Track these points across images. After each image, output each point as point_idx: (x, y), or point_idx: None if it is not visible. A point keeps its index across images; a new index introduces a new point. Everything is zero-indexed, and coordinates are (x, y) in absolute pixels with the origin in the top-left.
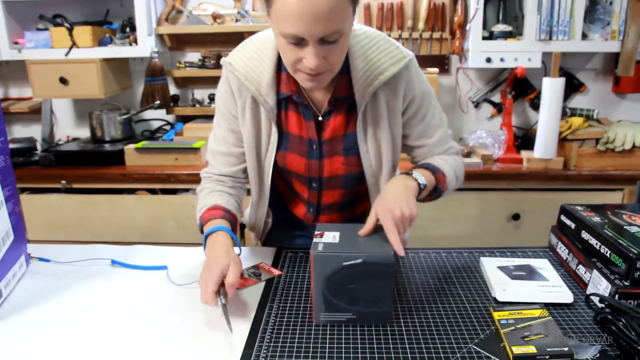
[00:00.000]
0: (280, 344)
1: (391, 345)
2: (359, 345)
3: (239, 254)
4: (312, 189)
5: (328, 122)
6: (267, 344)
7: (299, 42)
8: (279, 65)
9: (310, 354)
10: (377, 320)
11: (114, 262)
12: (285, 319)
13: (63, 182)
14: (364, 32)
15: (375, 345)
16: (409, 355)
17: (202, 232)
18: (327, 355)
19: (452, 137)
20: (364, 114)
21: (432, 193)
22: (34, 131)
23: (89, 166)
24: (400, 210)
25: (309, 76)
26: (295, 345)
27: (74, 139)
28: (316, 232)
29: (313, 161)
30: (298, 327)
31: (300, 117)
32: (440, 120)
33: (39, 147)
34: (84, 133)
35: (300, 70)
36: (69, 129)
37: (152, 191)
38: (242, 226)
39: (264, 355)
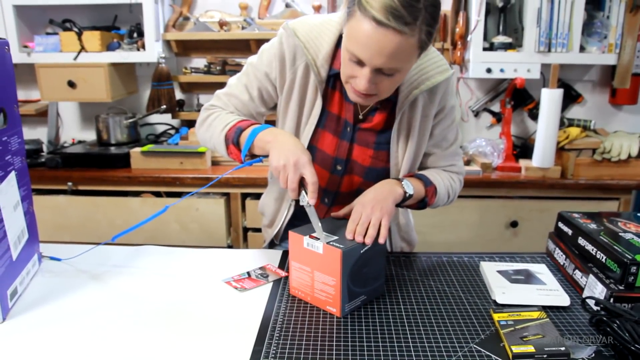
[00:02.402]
0: (289, 341)
1: (395, 344)
2: (365, 343)
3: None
4: (334, 173)
5: (372, 117)
6: (276, 341)
7: (359, 62)
8: (338, 42)
9: (319, 350)
10: (378, 294)
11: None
12: (293, 317)
13: (69, 184)
14: None
15: (380, 343)
16: (413, 353)
17: (235, 142)
18: (334, 351)
19: (461, 156)
20: (402, 116)
21: (417, 203)
22: (40, 133)
23: (94, 168)
24: (371, 209)
25: (357, 92)
26: (304, 342)
27: (80, 142)
28: (310, 236)
29: (344, 142)
30: (306, 324)
31: (342, 98)
32: (455, 137)
33: (44, 149)
34: (89, 136)
35: (351, 84)
36: (75, 132)
37: (157, 194)
38: (246, 230)
39: (274, 351)
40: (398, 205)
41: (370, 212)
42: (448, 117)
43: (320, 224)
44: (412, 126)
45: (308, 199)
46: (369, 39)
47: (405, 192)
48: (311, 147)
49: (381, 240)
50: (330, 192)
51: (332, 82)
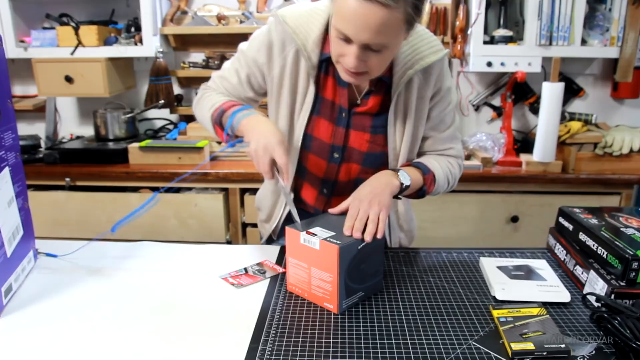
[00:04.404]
0: (286, 338)
1: (393, 341)
2: (362, 340)
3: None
4: (332, 161)
5: (367, 101)
6: (272, 338)
7: (346, 39)
8: (328, 26)
9: (315, 347)
10: (376, 290)
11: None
12: (290, 314)
13: (67, 179)
14: None
15: (377, 340)
16: (411, 351)
17: (219, 123)
18: (330, 348)
19: (459, 140)
20: (398, 98)
21: (417, 192)
22: (37, 129)
23: (92, 164)
24: (368, 203)
25: (347, 71)
26: (300, 339)
27: (78, 137)
28: (307, 232)
29: (340, 128)
30: (303, 321)
31: (335, 83)
32: (453, 120)
33: (42, 144)
34: (87, 131)
35: (341, 63)
36: (73, 127)
37: (156, 189)
38: (244, 225)
39: (270, 348)
40: (396, 196)
41: (368, 207)
42: (445, 99)
43: (295, 209)
44: (408, 108)
45: (280, 180)
46: (354, 14)
47: (401, 184)
48: (307, 136)
49: (379, 235)
50: (329, 182)
51: (325, 68)
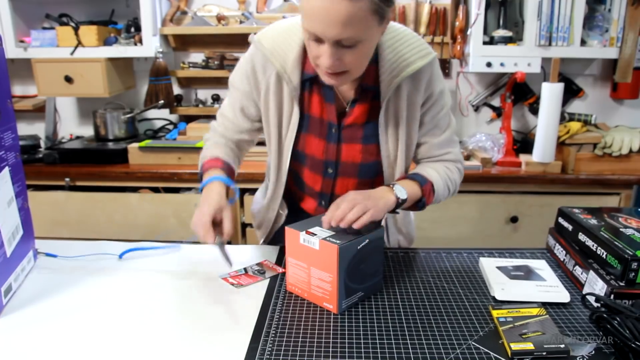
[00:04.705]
0: (285, 337)
1: (393, 341)
2: (362, 340)
3: (235, 199)
4: (327, 176)
5: (352, 110)
6: (272, 338)
7: (317, 39)
8: None
9: (315, 347)
10: (375, 290)
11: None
12: (290, 314)
13: (67, 179)
14: (393, 26)
15: (377, 340)
16: (411, 351)
17: (201, 180)
18: (330, 348)
19: (457, 143)
20: (387, 105)
21: (416, 204)
22: (37, 129)
23: (92, 164)
24: (353, 202)
25: (327, 73)
26: (300, 338)
27: (77, 137)
28: (306, 232)
29: (331, 144)
30: (303, 321)
31: (321, 100)
32: (448, 124)
33: (42, 144)
34: (87, 131)
35: (319, 65)
36: (72, 127)
37: (155, 189)
38: (244, 225)
39: (270, 348)
40: (393, 211)
41: (352, 205)
42: (437, 103)
43: (226, 255)
44: (399, 115)
45: (219, 239)
46: (318, 11)
47: (398, 198)
48: (299, 153)
49: (355, 225)
50: (326, 195)
51: (309, 86)
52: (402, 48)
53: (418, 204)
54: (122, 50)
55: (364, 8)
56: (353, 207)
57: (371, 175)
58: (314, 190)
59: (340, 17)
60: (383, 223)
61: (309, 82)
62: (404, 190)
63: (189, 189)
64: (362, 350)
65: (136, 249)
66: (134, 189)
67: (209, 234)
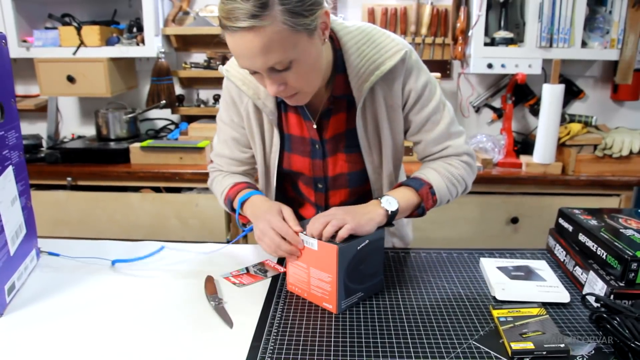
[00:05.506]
0: (287, 337)
1: (394, 340)
2: (362, 339)
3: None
4: (318, 190)
5: (329, 121)
6: (274, 337)
7: (254, 72)
8: None
9: (317, 346)
10: (376, 290)
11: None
12: (291, 313)
13: (69, 179)
14: (358, 28)
15: (379, 340)
16: (411, 350)
17: (232, 209)
18: (332, 348)
19: (458, 134)
20: (363, 110)
21: (415, 210)
22: (39, 128)
23: (94, 164)
24: (334, 214)
25: (285, 97)
26: (302, 338)
27: (79, 137)
28: (305, 232)
29: (317, 161)
30: (304, 321)
31: (300, 118)
32: (442, 116)
33: (44, 144)
34: (88, 131)
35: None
36: (74, 127)
37: (157, 189)
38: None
39: (272, 347)
40: (388, 223)
41: (328, 220)
42: (422, 99)
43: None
44: (378, 120)
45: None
46: (236, 49)
47: (387, 211)
48: (287, 172)
49: (336, 240)
50: (321, 207)
51: (285, 107)
52: (368, 50)
53: (417, 210)
54: (124, 50)
55: (275, 31)
56: (328, 222)
57: (361, 183)
58: (311, 200)
59: (255, 49)
60: None
61: (284, 104)
62: (394, 200)
63: (191, 189)
64: (364, 350)
65: (131, 259)
66: (136, 189)
67: (295, 238)
